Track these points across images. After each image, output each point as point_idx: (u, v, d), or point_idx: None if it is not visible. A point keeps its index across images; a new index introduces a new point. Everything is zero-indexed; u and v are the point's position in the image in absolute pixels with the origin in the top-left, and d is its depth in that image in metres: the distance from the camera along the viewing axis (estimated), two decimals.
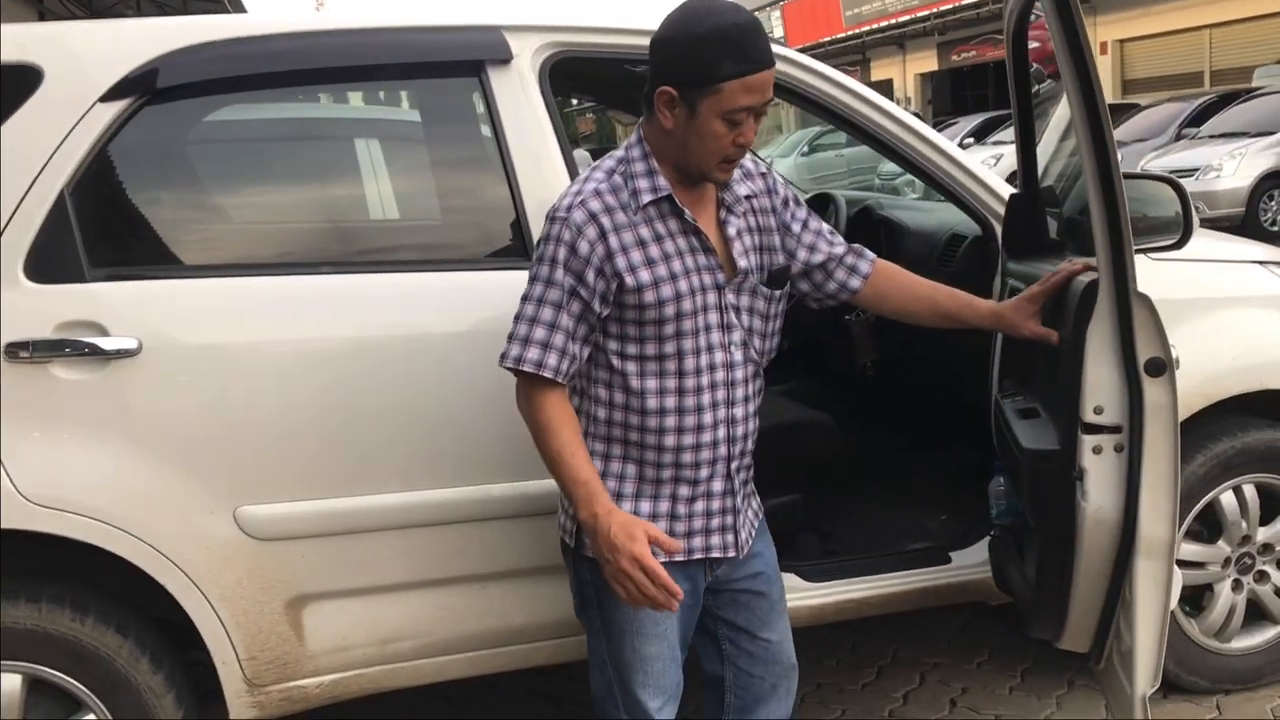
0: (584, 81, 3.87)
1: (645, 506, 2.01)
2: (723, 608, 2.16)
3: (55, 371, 2.22)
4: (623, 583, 1.83)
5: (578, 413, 2.01)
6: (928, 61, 29.26)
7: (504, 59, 2.57)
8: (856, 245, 2.24)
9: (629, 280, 1.89)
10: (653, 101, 1.89)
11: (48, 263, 2.25)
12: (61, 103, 2.29)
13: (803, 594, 2.80)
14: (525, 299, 1.92)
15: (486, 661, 2.59)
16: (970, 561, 2.92)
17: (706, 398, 1.97)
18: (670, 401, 1.96)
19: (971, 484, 3.09)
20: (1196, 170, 11.74)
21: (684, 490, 2.01)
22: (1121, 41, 21.61)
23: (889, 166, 14.21)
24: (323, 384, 2.36)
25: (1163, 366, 1.98)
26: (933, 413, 3.39)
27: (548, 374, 1.89)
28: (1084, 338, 2.04)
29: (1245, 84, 15.62)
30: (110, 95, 2.31)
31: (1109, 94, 18.97)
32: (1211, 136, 12.82)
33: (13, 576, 2.28)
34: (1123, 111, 15.98)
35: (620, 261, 1.89)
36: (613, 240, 1.89)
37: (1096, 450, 2.06)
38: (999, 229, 2.90)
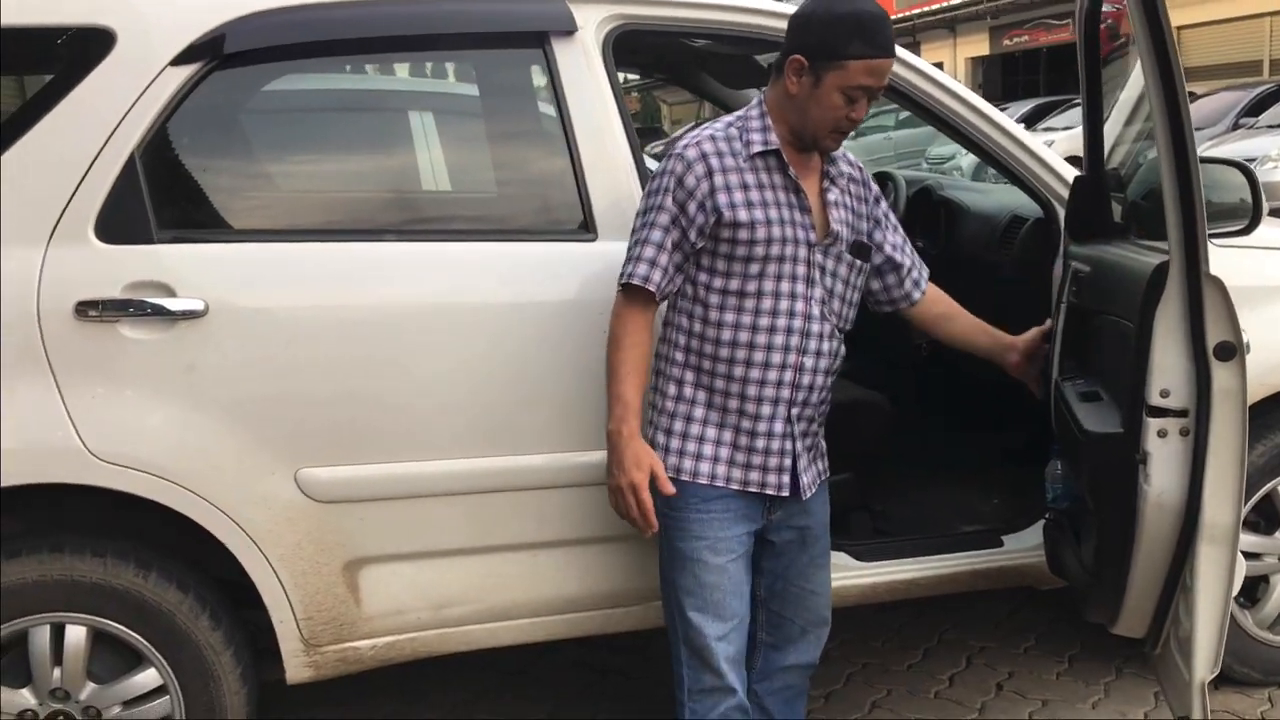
0: (642, 55, 3.85)
1: (711, 433, 2.17)
2: (765, 552, 2.31)
3: (123, 331, 2.25)
4: (616, 497, 2.13)
5: (661, 341, 2.23)
6: (979, 46, 28.90)
7: (569, 30, 2.56)
8: (919, 260, 2.49)
9: (728, 215, 2.08)
10: (783, 67, 2.10)
11: (117, 224, 2.27)
12: (133, 66, 2.31)
13: (855, 573, 2.80)
14: (638, 227, 2.14)
15: (538, 629, 2.61)
16: (1023, 545, 2.91)
17: (780, 339, 2.13)
18: (744, 336, 2.13)
19: (1024, 467, 3.06)
20: (1254, 160, 11.46)
21: (746, 424, 2.16)
22: (1179, 28, 21.17)
23: (938, 150, 14.04)
24: (383, 349, 2.38)
25: (1233, 351, 1.95)
26: (987, 395, 3.36)
27: (652, 287, 2.09)
28: (1152, 320, 2.01)
29: None
30: (180, 59, 2.33)
31: None
32: (1270, 126, 12.54)
33: (80, 532, 2.33)
34: None
35: (722, 198, 2.08)
36: (718, 179, 2.09)
37: (1161, 434, 2.04)
38: (1061, 211, 2.87)
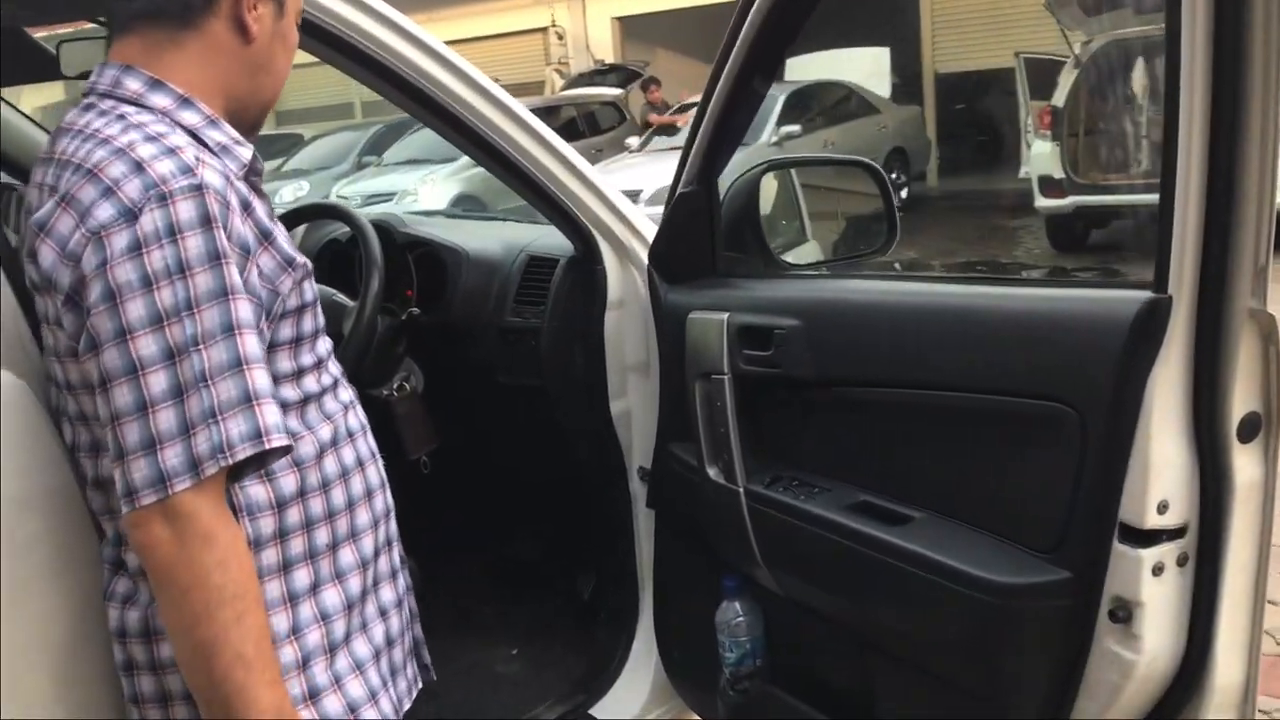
0: None
1: (361, 648, 1.35)
2: None
3: None
4: None
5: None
6: None
7: None
8: None
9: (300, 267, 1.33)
10: (212, 5, 1.24)
11: None
12: None
13: None
14: (163, 354, 1.12)
15: None
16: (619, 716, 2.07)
17: (365, 446, 1.41)
18: (347, 459, 1.35)
19: (568, 607, 2.20)
20: (395, 194, 11.75)
21: (387, 594, 1.42)
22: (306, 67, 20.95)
23: (355, 186, 11.93)
24: None
25: (1258, 425, 1.28)
26: (515, 509, 2.36)
27: (284, 439, 1.16)
28: (1142, 392, 1.25)
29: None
30: None
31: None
32: (396, 164, 12.93)
33: None
34: (280, 141, 15.64)
35: (284, 246, 1.30)
36: (258, 213, 1.27)
37: (1157, 570, 1.29)
38: (605, 245, 2.07)
